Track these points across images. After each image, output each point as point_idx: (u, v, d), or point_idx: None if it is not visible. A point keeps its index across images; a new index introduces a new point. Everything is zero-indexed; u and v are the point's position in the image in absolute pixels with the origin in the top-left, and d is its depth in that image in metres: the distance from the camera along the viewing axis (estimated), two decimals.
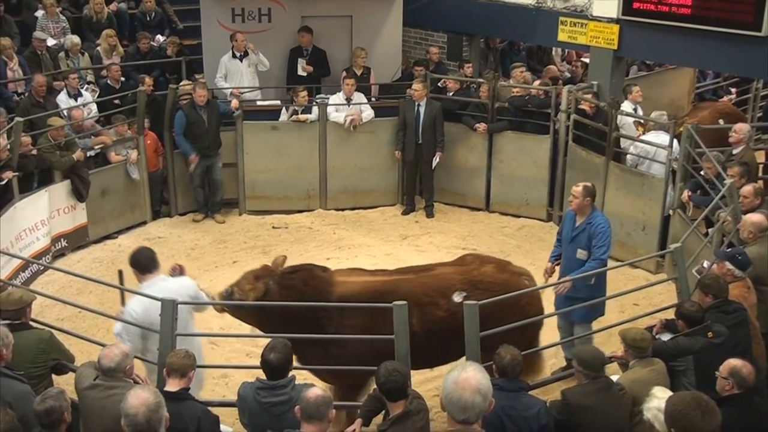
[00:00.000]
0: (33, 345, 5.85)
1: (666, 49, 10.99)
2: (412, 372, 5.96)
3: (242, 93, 12.20)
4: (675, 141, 9.94)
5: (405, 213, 12.14)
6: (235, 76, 12.36)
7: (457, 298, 6.71)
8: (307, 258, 10.59)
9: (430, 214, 12.04)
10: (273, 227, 11.73)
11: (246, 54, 12.34)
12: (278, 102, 12.43)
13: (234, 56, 12.33)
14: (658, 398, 4.81)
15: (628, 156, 10.61)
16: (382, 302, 6.17)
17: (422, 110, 11.63)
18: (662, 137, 10.11)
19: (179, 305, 6.00)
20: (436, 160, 11.79)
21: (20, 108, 10.88)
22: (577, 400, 5.33)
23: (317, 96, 12.21)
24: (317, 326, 6.54)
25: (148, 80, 11.76)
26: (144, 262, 6.46)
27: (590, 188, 7.65)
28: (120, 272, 7.26)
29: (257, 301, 6.57)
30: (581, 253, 7.62)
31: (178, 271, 6.74)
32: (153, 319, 6.02)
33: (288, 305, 6.52)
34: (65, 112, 11.12)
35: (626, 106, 11.21)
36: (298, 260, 10.38)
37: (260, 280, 6.71)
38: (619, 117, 10.71)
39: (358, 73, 12.50)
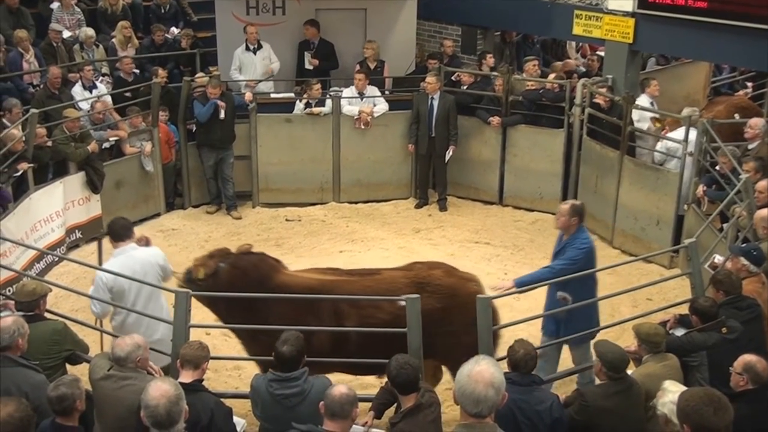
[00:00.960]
0: (47, 336, 5.87)
1: (682, 43, 10.92)
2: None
3: (256, 84, 12.21)
4: (692, 136, 9.88)
5: (418, 206, 12.14)
6: (249, 68, 12.38)
7: (403, 302, 6.52)
8: (321, 251, 10.64)
9: (443, 208, 12.03)
10: (286, 220, 11.75)
11: (260, 47, 12.35)
12: (292, 95, 12.44)
13: (247, 49, 12.35)
14: (672, 392, 4.79)
15: (655, 153, 10.53)
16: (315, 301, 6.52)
17: (436, 103, 11.61)
18: (690, 135, 9.99)
19: (150, 268, 6.55)
20: (449, 154, 11.77)
21: (35, 100, 10.96)
22: (597, 402, 5.30)
23: (331, 89, 12.21)
24: (252, 309, 6.69)
25: (162, 72, 11.80)
26: (117, 230, 6.73)
27: (578, 207, 7.19)
28: (99, 241, 7.86)
29: (206, 279, 6.73)
30: None
31: (144, 242, 6.95)
32: (122, 285, 6.41)
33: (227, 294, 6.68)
34: (82, 104, 11.18)
35: (643, 99, 11.15)
36: (311, 253, 10.49)
37: (213, 259, 6.88)
38: (635, 112, 10.66)
39: (372, 66, 12.48)
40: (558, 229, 7.35)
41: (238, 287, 6.64)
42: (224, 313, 6.91)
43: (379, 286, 6.70)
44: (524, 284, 6.91)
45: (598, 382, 5.62)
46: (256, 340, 6.73)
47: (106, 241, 7.11)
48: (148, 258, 6.65)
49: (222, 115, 11.19)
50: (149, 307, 6.55)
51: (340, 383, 4.89)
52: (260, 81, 12.36)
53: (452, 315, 6.52)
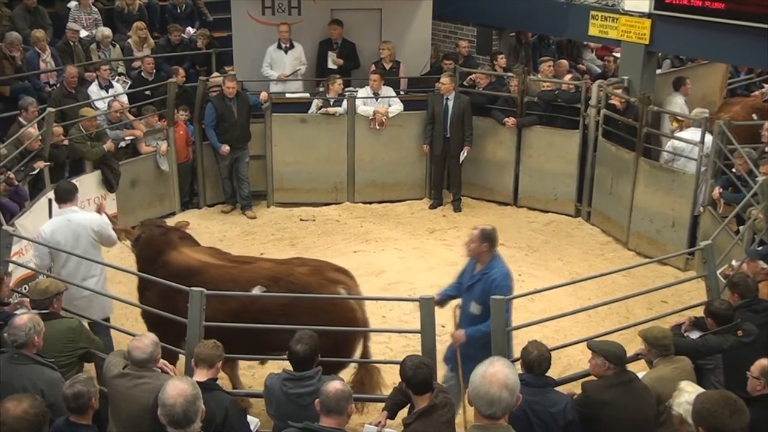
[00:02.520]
0: (61, 334, 5.91)
1: (699, 44, 10.85)
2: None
3: (287, 79, 12.32)
4: (708, 137, 9.83)
5: (432, 207, 12.13)
6: (279, 66, 12.43)
7: (255, 291, 6.76)
8: (335, 251, 10.63)
9: (457, 209, 12.01)
10: (300, 219, 11.76)
11: (291, 46, 12.39)
12: (307, 94, 12.46)
13: (279, 47, 12.39)
14: (688, 392, 4.77)
15: (663, 153, 10.49)
16: (188, 280, 6.63)
17: (450, 104, 11.59)
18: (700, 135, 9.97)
19: (83, 230, 7.29)
20: (463, 154, 11.75)
21: (52, 99, 11.02)
22: (597, 394, 5.35)
23: (346, 89, 12.22)
24: (146, 282, 7.16)
25: (182, 72, 11.85)
26: (60, 194, 7.60)
27: (488, 232, 6.58)
28: (50, 200, 8.63)
29: (133, 245, 7.56)
30: (475, 308, 6.56)
31: (100, 209, 8.00)
32: (57, 241, 7.23)
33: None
34: (98, 103, 11.24)
35: (678, 98, 11.36)
36: (325, 254, 10.47)
37: (138, 228, 7.69)
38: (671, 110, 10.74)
39: (387, 66, 12.49)
40: (468, 256, 6.75)
41: (144, 258, 7.39)
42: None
43: (243, 275, 6.97)
44: (473, 337, 6.43)
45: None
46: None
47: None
48: (83, 222, 7.39)
49: (225, 154, 11.44)
50: (82, 265, 7.30)
51: (337, 379, 4.89)
52: (289, 76, 12.39)
53: (294, 314, 6.48)
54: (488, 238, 6.55)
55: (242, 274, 6.98)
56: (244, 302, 6.69)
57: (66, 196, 7.54)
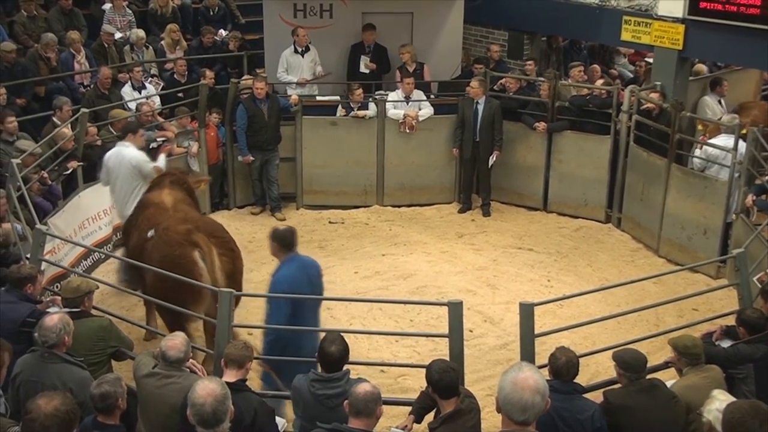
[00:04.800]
0: (92, 333, 5.96)
1: (733, 50, 10.73)
2: None
3: (306, 83, 12.34)
4: (741, 144, 9.73)
5: (461, 211, 12.10)
6: (296, 70, 12.45)
7: (150, 233, 7.65)
8: (363, 254, 10.65)
9: (486, 213, 11.97)
10: (329, 222, 11.79)
11: (307, 49, 12.43)
12: (337, 97, 12.50)
13: (296, 51, 12.43)
14: (720, 400, 4.73)
15: (695, 160, 10.41)
16: (139, 210, 8.21)
17: (481, 108, 11.57)
18: (732, 141, 9.88)
19: (125, 161, 9.07)
20: (493, 159, 11.72)
21: (86, 99, 11.17)
22: (618, 401, 5.32)
23: (376, 92, 12.23)
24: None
25: (209, 73, 11.92)
26: (123, 128, 9.63)
27: (278, 233, 6.59)
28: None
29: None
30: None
31: (162, 149, 10.12)
32: (110, 167, 9.19)
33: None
34: (131, 104, 11.36)
35: (707, 98, 11.38)
36: (354, 256, 10.50)
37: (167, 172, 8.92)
38: (705, 109, 10.69)
39: (411, 69, 12.46)
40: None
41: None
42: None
43: (156, 219, 7.77)
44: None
45: None
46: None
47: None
48: (126, 154, 9.16)
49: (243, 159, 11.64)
50: (125, 187, 9.13)
51: (366, 381, 4.89)
52: (310, 81, 12.43)
53: (149, 253, 7.44)
54: (278, 239, 6.59)
55: (157, 218, 7.78)
56: (142, 241, 7.66)
57: (123, 135, 9.43)
